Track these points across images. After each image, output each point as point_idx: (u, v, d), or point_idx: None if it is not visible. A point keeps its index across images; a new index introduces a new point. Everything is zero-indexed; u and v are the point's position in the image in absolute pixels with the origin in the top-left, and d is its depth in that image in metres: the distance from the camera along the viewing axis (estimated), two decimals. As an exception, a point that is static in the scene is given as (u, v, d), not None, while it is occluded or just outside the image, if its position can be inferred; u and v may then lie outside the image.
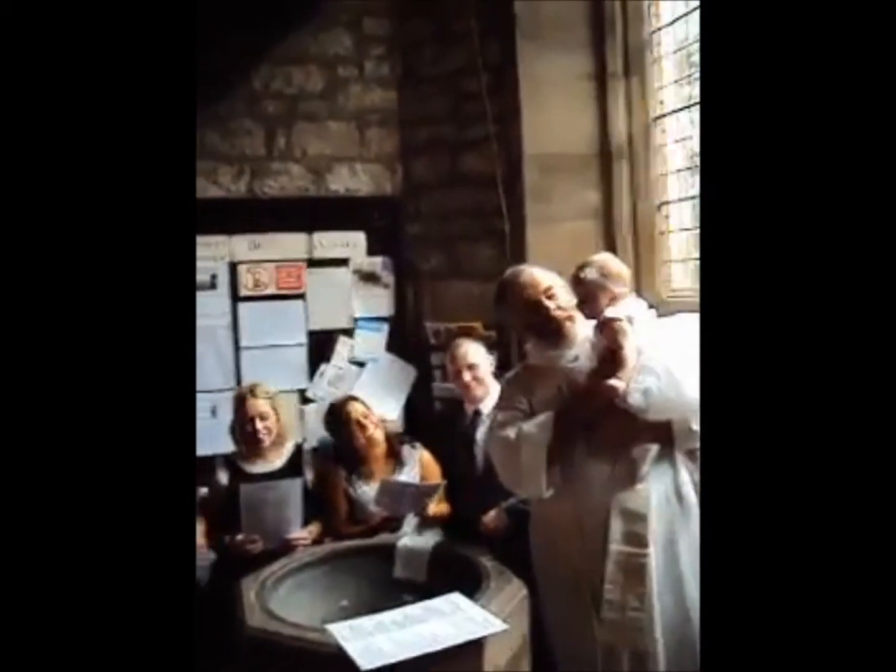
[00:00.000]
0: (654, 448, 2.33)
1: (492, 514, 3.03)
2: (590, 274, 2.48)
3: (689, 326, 2.31)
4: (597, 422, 2.34)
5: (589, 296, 2.47)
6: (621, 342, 2.34)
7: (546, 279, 2.44)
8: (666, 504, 2.34)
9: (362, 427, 3.26)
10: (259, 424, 3.18)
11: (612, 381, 2.28)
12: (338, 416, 3.35)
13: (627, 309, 2.42)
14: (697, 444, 2.28)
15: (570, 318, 2.42)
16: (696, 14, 3.41)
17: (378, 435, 3.29)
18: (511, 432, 2.39)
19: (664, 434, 2.33)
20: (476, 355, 3.31)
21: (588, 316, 2.47)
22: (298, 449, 3.35)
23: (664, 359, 2.30)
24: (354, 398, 3.45)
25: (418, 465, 3.28)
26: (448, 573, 2.54)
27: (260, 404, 3.21)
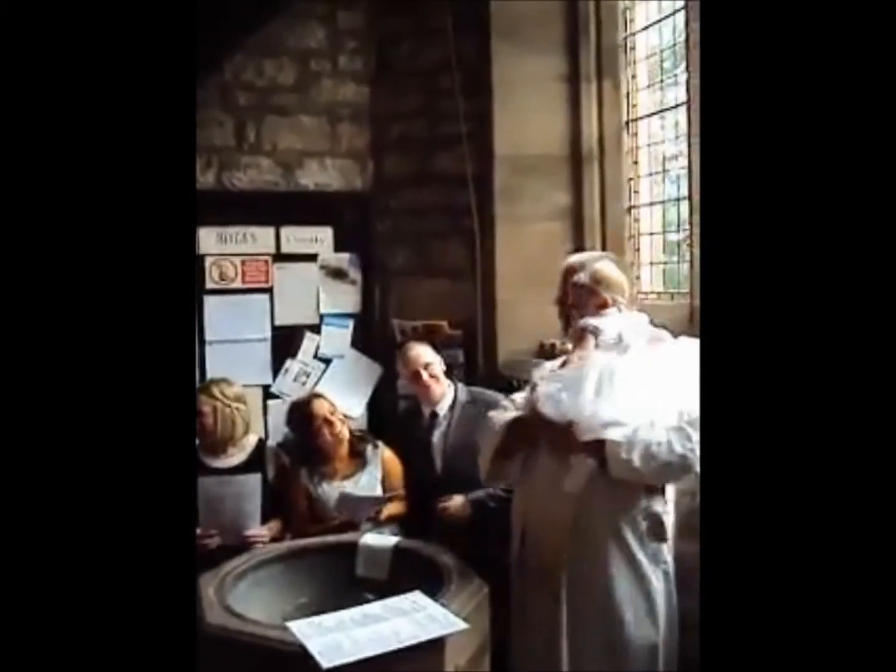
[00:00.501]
0: (589, 462, 2.31)
1: (456, 499, 3.05)
2: (582, 278, 2.46)
3: (671, 353, 2.32)
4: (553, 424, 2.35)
5: (579, 300, 2.46)
6: (578, 351, 2.36)
7: None
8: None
9: (329, 424, 3.23)
10: (207, 419, 3.18)
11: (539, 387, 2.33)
12: (302, 413, 3.31)
13: (611, 320, 2.39)
14: (631, 478, 2.27)
15: None
16: (670, 20, 3.45)
17: (343, 433, 3.26)
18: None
19: (596, 452, 2.29)
20: (428, 355, 3.32)
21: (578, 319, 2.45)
22: (260, 444, 3.32)
23: (594, 374, 2.28)
24: (319, 395, 3.42)
25: (380, 463, 3.26)
26: (410, 572, 2.52)
27: (201, 401, 3.19)
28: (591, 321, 2.39)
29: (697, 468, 2.17)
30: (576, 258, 2.63)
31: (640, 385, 2.28)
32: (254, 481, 3.06)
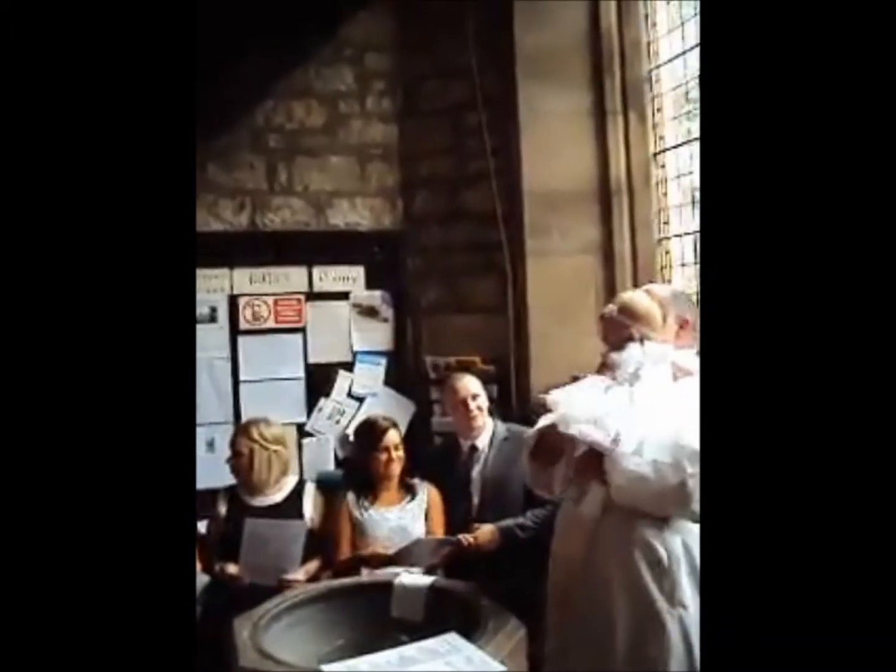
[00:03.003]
0: (598, 489, 2.31)
1: (485, 528, 3.02)
2: (610, 312, 2.47)
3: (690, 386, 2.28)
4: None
5: (606, 333, 2.47)
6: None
7: None
8: None
9: (390, 457, 3.22)
10: (234, 461, 3.20)
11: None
12: (374, 434, 3.28)
13: (629, 353, 2.36)
14: (629, 504, 2.26)
15: None
16: (695, 52, 3.45)
17: (397, 470, 3.25)
18: None
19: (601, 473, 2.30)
20: (476, 386, 3.35)
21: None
22: (299, 484, 3.33)
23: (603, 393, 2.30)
24: (395, 424, 3.38)
25: (427, 498, 3.24)
26: (446, 612, 2.49)
27: (240, 443, 3.21)
28: (612, 355, 2.38)
29: (695, 502, 2.15)
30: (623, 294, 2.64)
31: (646, 414, 2.26)
32: (301, 527, 3.05)
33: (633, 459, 2.22)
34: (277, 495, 3.22)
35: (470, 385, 3.34)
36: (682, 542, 2.29)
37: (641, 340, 2.38)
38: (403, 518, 3.16)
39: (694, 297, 2.83)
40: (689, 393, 2.24)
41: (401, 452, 3.27)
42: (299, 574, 3.01)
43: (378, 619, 2.58)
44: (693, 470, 2.15)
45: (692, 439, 2.12)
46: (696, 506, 2.16)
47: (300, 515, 3.17)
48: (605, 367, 2.40)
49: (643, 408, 2.28)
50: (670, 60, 3.65)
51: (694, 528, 2.30)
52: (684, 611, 2.26)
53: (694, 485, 2.15)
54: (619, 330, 2.43)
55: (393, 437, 3.27)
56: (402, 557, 2.98)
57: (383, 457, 3.21)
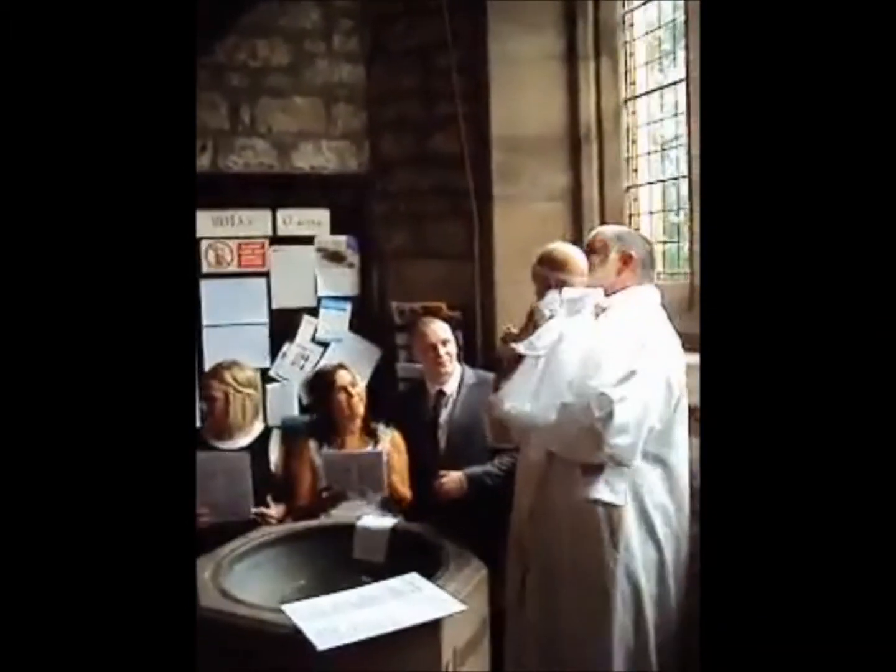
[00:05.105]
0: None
1: (453, 475, 3.04)
2: (535, 266, 2.54)
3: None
4: None
5: (535, 285, 2.53)
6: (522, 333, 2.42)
7: None
8: None
9: (348, 395, 3.21)
10: (207, 404, 3.19)
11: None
12: (324, 381, 3.29)
13: (547, 300, 2.41)
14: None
15: None
16: (668, -4, 3.40)
17: (360, 408, 3.24)
18: None
19: None
20: (446, 331, 3.35)
21: None
22: (266, 430, 3.31)
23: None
24: (343, 366, 3.38)
25: (389, 444, 3.24)
26: (407, 554, 2.51)
27: (212, 386, 3.19)
28: (533, 304, 2.47)
29: (609, 446, 2.20)
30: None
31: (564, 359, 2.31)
32: (243, 459, 3.01)
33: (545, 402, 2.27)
34: (244, 440, 3.21)
35: (440, 330, 3.33)
36: (631, 484, 2.31)
37: (560, 287, 2.40)
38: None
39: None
40: (605, 331, 2.31)
41: (359, 389, 3.27)
42: (273, 510, 3.01)
43: (340, 560, 2.60)
44: (601, 413, 2.18)
45: (604, 380, 2.20)
46: (612, 449, 2.21)
47: (266, 459, 3.16)
48: (529, 317, 2.46)
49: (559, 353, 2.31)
50: (644, 3, 3.59)
51: (648, 473, 2.33)
52: (628, 554, 2.29)
53: (602, 427, 2.17)
54: (542, 280, 2.49)
55: (344, 375, 3.27)
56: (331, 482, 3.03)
57: (342, 396, 3.21)
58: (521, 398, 2.28)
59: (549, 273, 2.46)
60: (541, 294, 2.46)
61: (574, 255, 2.51)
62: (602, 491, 2.30)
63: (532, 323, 2.41)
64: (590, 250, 2.56)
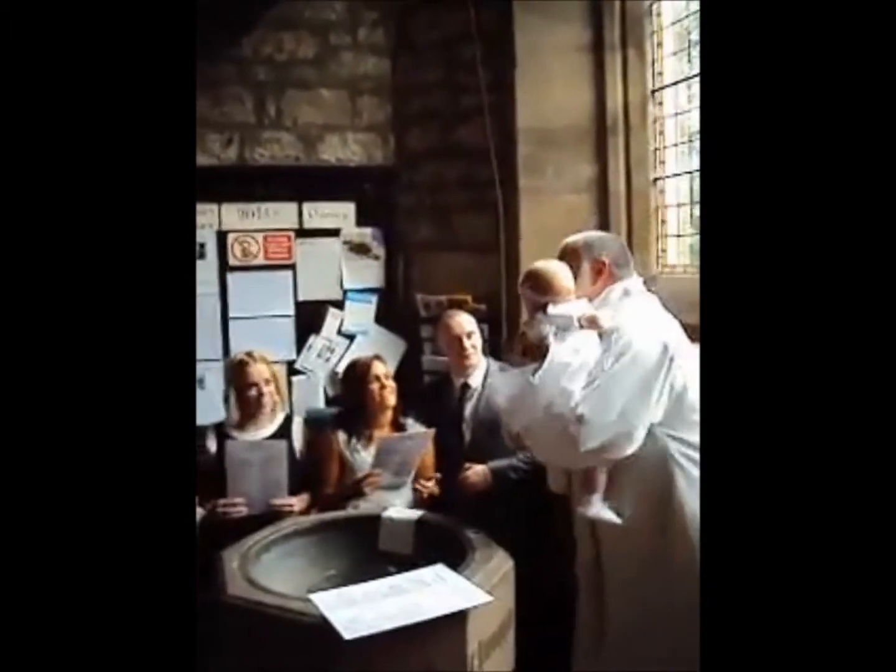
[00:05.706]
0: None
1: (477, 468, 3.04)
2: (520, 286, 2.53)
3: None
4: None
5: (525, 306, 2.54)
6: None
7: None
8: None
9: (382, 386, 3.22)
10: (265, 389, 3.16)
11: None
12: (358, 371, 3.29)
13: (538, 328, 2.39)
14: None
15: None
16: (696, -16, 3.36)
17: (392, 399, 3.24)
18: None
19: None
20: (471, 324, 3.34)
21: None
22: (287, 420, 3.31)
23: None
24: (379, 357, 3.38)
25: None
26: (433, 545, 2.51)
27: (263, 370, 3.19)
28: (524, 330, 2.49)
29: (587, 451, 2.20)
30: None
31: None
32: (280, 446, 3.02)
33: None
34: (267, 430, 3.21)
35: (465, 323, 3.32)
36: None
37: (544, 309, 2.40)
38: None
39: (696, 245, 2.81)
40: (584, 341, 2.31)
41: (391, 382, 3.27)
42: (292, 500, 2.98)
43: (367, 551, 2.61)
44: (573, 416, 2.19)
45: (579, 385, 2.21)
46: (588, 456, 2.21)
47: (290, 448, 3.16)
48: (521, 339, 2.48)
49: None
50: (671, -7, 3.56)
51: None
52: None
53: (576, 431, 2.17)
54: (529, 302, 2.49)
55: (379, 367, 3.27)
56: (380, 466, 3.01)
57: (375, 386, 3.21)
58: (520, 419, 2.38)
59: (533, 296, 2.44)
60: (530, 313, 2.47)
61: (558, 273, 2.46)
62: (601, 510, 2.34)
63: (522, 346, 2.44)
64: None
